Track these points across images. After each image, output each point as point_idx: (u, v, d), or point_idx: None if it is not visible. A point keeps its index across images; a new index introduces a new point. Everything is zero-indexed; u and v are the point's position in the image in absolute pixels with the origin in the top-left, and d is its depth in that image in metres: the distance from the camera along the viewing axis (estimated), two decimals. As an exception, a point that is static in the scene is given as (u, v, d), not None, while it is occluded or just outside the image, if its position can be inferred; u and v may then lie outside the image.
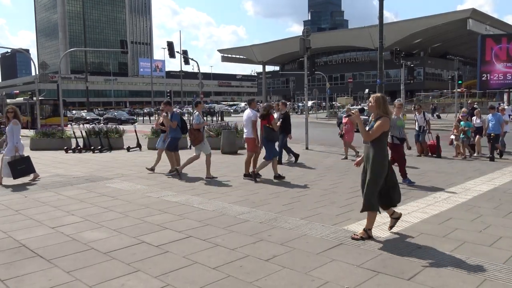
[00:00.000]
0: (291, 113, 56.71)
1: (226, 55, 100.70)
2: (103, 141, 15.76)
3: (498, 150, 12.16)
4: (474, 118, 13.46)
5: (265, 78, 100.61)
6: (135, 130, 16.40)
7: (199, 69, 39.06)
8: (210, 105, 66.82)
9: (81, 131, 16.25)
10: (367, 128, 4.79)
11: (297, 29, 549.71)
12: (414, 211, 6.14)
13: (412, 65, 28.53)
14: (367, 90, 53.39)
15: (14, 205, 6.87)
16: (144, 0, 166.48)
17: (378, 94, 4.97)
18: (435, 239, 4.86)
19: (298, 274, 3.90)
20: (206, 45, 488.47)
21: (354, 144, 12.39)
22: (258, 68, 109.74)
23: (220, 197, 7.25)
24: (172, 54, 32.91)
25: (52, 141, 16.84)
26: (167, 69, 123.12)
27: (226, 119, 37.00)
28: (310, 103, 55.23)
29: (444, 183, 8.38)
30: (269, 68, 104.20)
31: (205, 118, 38.89)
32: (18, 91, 74.99)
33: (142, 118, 48.28)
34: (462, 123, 12.38)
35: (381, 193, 4.86)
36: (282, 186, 8.17)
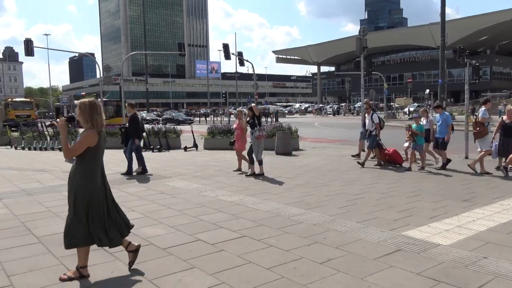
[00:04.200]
0: (347, 114, 54.99)
1: (281, 56, 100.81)
2: (161, 141, 16.34)
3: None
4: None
5: (320, 78, 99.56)
6: (192, 131, 16.83)
7: (253, 71, 39.40)
8: (264, 105, 67.14)
9: (141, 131, 16.92)
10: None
11: (351, 29, 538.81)
12: (479, 219, 5.80)
13: (477, 64, 26.97)
14: (427, 91, 51.17)
15: (80, 200, 7.29)
16: (201, 3, 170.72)
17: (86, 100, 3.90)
18: (503, 249, 4.56)
19: (354, 279, 3.82)
20: (260, 47, 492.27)
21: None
22: (313, 68, 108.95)
23: (274, 198, 7.26)
24: (227, 56, 33.43)
25: (115, 140, 17.68)
26: (222, 70, 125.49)
27: (280, 120, 37.00)
28: (366, 104, 53.87)
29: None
30: (324, 68, 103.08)
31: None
32: (84, 93, 79.58)
33: (198, 118, 49.47)
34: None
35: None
36: (337, 189, 8.03)
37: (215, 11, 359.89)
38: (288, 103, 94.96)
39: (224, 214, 6.20)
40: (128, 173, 10.02)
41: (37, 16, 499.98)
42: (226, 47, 33.30)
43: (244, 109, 10.33)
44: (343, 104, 65.64)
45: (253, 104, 10.02)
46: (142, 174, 10.01)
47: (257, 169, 9.64)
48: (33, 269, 4.16)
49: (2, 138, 21.56)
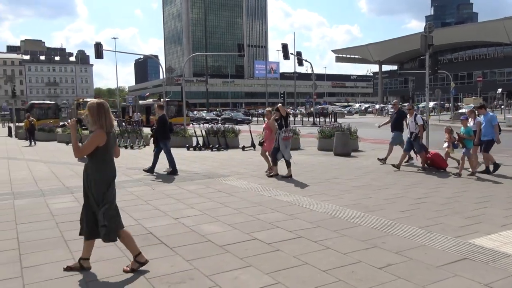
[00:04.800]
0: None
1: (340, 55, 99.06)
2: (220, 140, 16.67)
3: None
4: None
5: (381, 78, 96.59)
6: (250, 130, 17.00)
7: (312, 70, 39.06)
8: (323, 106, 66.33)
9: (201, 131, 17.39)
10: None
11: (415, 26, 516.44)
12: (557, 228, 5.33)
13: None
14: (499, 90, 47.91)
15: (143, 196, 7.63)
16: (260, 4, 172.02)
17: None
18: None
19: (416, 286, 3.65)
20: (319, 46, 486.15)
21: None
22: (374, 67, 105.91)
23: (331, 199, 7.14)
24: (286, 56, 33.40)
25: (176, 139, 18.27)
26: (281, 70, 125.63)
27: (339, 120, 36.38)
28: (431, 104, 51.53)
29: None
30: (386, 67, 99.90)
31: (317, 119, 38.86)
32: (148, 93, 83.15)
33: (256, 118, 49.88)
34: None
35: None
36: (398, 192, 7.73)
37: (274, 12, 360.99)
38: (348, 103, 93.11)
39: (281, 214, 6.19)
40: (173, 172, 10.13)
41: (106, 21, 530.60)
42: (285, 47, 33.29)
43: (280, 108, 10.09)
44: (406, 105, 63.34)
45: (279, 105, 9.83)
46: (173, 175, 10.06)
47: (283, 171, 9.56)
48: (99, 260, 4.40)
49: (75, 135, 23.01)
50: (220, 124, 24.57)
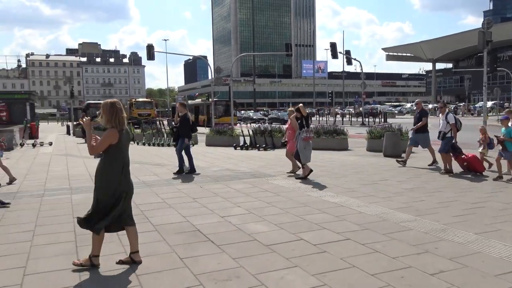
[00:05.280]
0: (465, 115, 50.77)
1: (391, 54, 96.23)
2: (267, 139, 16.71)
3: None
4: None
5: (435, 76, 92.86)
6: (297, 130, 16.90)
7: (361, 69, 38.27)
8: (372, 105, 64.79)
9: (248, 130, 17.51)
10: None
11: (471, 21, 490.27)
12: None
13: None
14: None
15: (192, 194, 7.79)
16: (308, 3, 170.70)
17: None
18: None
19: (470, 295, 3.47)
20: (368, 44, 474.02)
21: None
22: (427, 66, 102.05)
23: (381, 201, 6.95)
24: (334, 55, 32.96)
25: (223, 138, 18.56)
26: (329, 70, 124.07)
27: (389, 120, 35.37)
28: (489, 103, 48.89)
29: None
30: (440, 65, 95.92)
31: (366, 119, 37.99)
32: (197, 93, 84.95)
33: (303, 118, 49.47)
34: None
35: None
36: (452, 196, 7.39)
37: (323, 10, 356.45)
38: (399, 103, 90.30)
39: (328, 215, 6.11)
40: (191, 171, 10.25)
41: (157, 23, 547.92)
42: (333, 46, 32.87)
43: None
44: (461, 104, 60.44)
45: (300, 105, 9.75)
46: (191, 174, 10.14)
47: (301, 171, 9.48)
48: (150, 254, 4.54)
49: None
50: (267, 123, 24.66)
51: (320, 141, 15.90)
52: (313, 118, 49.15)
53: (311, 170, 9.29)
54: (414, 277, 3.85)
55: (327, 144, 15.39)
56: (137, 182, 9.22)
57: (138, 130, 24.18)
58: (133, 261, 4.26)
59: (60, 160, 13.71)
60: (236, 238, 5.09)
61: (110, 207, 4.16)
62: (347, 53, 38.09)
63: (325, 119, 46.12)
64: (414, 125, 11.23)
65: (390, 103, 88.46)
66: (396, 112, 59.44)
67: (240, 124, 22.36)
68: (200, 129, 29.22)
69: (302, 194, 7.67)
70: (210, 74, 31.40)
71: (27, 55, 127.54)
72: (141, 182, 9.17)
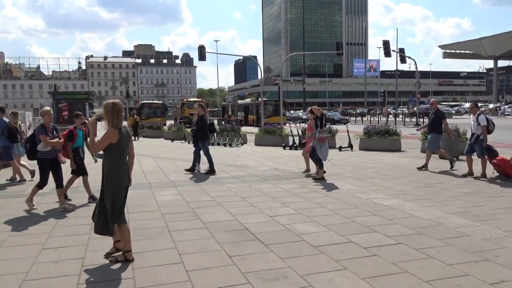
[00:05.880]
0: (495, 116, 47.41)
1: (448, 51, 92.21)
2: (316, 139, 16.50)
3: None
4: None
5: (496, 74, 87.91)
6: (347, 130, 16.60)
7: (416, 68, 36.92)
8: (427, 105, 62.25)
9: (297, 130, 17.41)
10: None
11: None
12: None
13: None
14: None
15: (240, 193, 7.86)
16: (361, 0, 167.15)
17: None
18: None
19: (535, 308, 3.24)
20: (424, 41, 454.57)
21: None
22: (488, 63, 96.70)
23: (436, 205, 6.66)
24: (387, 53, 32.05)
25: (272, 138, 18.58)
26: (381, 68, 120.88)
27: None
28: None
29: None
30: (502, 63, 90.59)
31: (421, 119, 36.57)
32: (247, 93, 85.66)
33: (354, 118, 48.62)
34: None
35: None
36: (515, 201, 6.94)
37: (375, 7, 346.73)
38: (456, 102, 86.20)
39: (379, 218, 5.94)
40: (211, 171, 10.22)
41: (208, 24, 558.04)
42: (386, 44, 31.97)
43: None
44: (488, 105, 56.76)
45: (314, 106, 9.82)
46: (210, 174, 10.12)
47: (318, 172, 9.37)
48: (199, 251, 4.63)
49: (179, 133, 24.62)
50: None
51: (371, 141, 15.52)
52: (364, 118, 48.11)
53: (324, 172, 9.37)
54: (471, 286, 3.66)
55: (379, 145, 14.98)
56: (187, 180, 9.46)
57: (189, 129, 24.76)
58: (126, 260, 4.33)
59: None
60: (284, 238, 5.07)
61: (121, 204, 4.34)
62: (401, 51, 36.87)
63: (377, 119, 44.93)
64: (428, 127, 10.82)
65: (446, 103, 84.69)
66: (454, 112, 56.68)
67: (289, 123, 22.28)
68: (249, 129, 29.48)
69: (352, 195, 7.51)
70: (260, 74, 31.59)
71: (87, 57, 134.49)
72: (191, 180, 9.39)
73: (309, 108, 10.08)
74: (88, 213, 6.37)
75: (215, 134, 20.81)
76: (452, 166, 10.33)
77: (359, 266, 4.12)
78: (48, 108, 7.01)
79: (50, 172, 6.76)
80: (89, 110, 32.87)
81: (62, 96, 38.04)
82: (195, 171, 10.49)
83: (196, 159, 10.66)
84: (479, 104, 9.95)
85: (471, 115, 9.74)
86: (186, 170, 10.59)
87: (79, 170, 7.21)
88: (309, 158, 9.90)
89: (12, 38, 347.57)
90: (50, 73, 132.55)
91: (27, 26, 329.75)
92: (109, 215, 4.26)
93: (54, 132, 6.81)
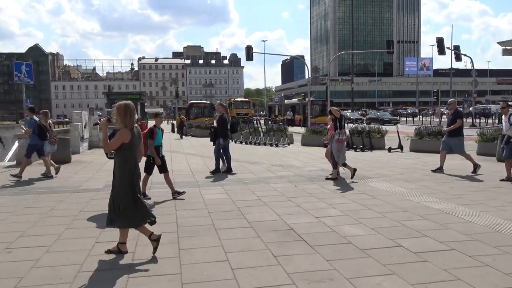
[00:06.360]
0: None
1: (508, 48, 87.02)
2: (365, 140, 16.17)
3: None
4: None
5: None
6: (398, 131, 16.12)
7: (472, 65, 35.21)
8: (485, 105, 59.19)
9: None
10: None
11: None
12: None
13: None
14: None
15: (286, 193, 7.84)
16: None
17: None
18: None
19: None
20: (481, 38, 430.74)
21: None
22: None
23: (493, 211, 6.30)
24: (441, 51, 30.80)
25: (319, 138, 18.34)
26: (434, 67, 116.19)
27: (503, 121, 31.93)
28: None
29: None
30: None
31: (477, 120, 34.83)
32: (294, 93, 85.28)
33: (405, 118, 47.12)
34: None
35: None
36: None
37: (428, 4, 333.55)
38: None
39: (430, 222, 5.71)
40: (228, 170, 10.26)
41: (256, 24, 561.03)
42: (440, 41, 30.73)
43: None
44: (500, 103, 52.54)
45: (333, 108, 9.63)
46: (228, 173, 10.13)
47: (333, 173, 9.32)
48: (244, 250, 4.66)
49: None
50: (365, 124, 23.88)
51: (422, 143, 14.97)
52: (415, 119, 46.49)
53: (355, 169, 9.22)
54: (532, 297, 3.43)
55: (431, 146, 14.40)
56: (233, 179, 9.56)
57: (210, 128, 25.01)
58: (119, 251, 4.55)
59: (166, 156, 14.69)
60: (330, 239, 5.00)
61: (133, 202, 4.44)
62: (456, 48, 35.28)
63: (429, 119, 43.25)
64: (447, 127, 10.21)
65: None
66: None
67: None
68: (296, 129, 29.36)
69: (402, 198, 7.27)
70: (307, 74, 31.38)
71: (139, 59, 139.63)
72: (237, 179, 9.48)
73: (328, 110, 10.00)
74: (162, 211, 6.62)
75: (261, 134, 20.91)
76: (475, 171, 9.82)
77: (409, 272, 3.98)
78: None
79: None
80: (140, 110, 33.99)
81: (116, 96, 39.68)
82: (226, 170, 10.49)
83: (228, 158, 10.71)
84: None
85: (503, 116, 9.23)
86: (222, 172, 10.53)
87: (162, 166, 7.51)
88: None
89: (70, 41, 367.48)
90: (105, 74, 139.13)
91: (84, 30, 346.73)
92: (111, 210, 4.47)
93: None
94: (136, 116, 4.53)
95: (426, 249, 4.59)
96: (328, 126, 10.41)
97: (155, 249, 4.51)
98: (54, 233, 5.30)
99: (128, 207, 4.41)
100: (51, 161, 10.43)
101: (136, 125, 4.52)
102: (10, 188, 8.79)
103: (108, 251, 4.59)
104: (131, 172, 4.44)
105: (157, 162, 7.36)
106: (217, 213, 6.39)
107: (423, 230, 5.32)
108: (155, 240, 4.52)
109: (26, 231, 5.52)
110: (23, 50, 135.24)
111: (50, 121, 10.90)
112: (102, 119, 4.71)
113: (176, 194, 7.45)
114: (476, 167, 9.83)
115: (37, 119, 10.08)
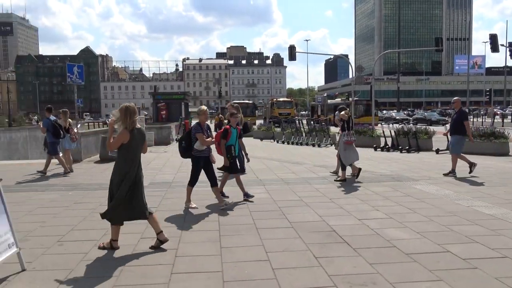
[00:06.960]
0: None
1: None
2: (411, 141, 15.67)
3: None
4: None
5: None
6: (447, 132, 15.48)
7: (529, 63, 33.19)
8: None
9: (390, 131, 16.68)
10: None
11: None
12: None
13: None
14: None
15: (328, 194, 7.74)
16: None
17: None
18: None
19: None
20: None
21: None
22: None
23: (551, 217, 5.92)
24: (495, 48, 29.32)
25: (363, 138, 17.98)
26: (487, 65, 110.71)
27: None
28: None
29: None
30: None
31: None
32: (337, 93, 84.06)
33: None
34: None
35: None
36: None
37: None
38: None
39: (481, 227, 5.44)
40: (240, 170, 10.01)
41: (299, 24, 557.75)
42: (494, 37, 29.27)
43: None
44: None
45: (341, 113, 9.52)
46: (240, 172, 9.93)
47: (342, 174, 9.19)
48: (286, 250, 4.64)
49: (268, 132, 24.98)
50: (411, 124, 23.13)
51: (473, 144, 14.27)
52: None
53: (360, 169, 9.15)
54: None
55: (483, 148, 13.75)
56: (275, 179, 9.55)
57: (278, 129, 24.99)
58: (160, 243, 4.72)
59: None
60: (373, 242, 4.88)
61: (128, 199, 4.62)
62: (511, 45, 33.46)
63: (481, 120, 41.25)
64: (450, 128, 9.89)
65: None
66: None
67: (381, 124, 21.46)
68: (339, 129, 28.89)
69: (450, 202, 6.98)
70: (351, 73, 30.81)
71: (183, 60, 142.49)
72: (279, 179, 9.46)
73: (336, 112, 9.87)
74: (204, 210, 6.75)
75: (303, 134, 20.77)
76: (471, 171, 9.53)
77: (457, 278, 3.81)
78: (205, 107, 6.96)
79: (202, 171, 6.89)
80: (184, 110, 34.71)
81: (161, 96, 40.80)
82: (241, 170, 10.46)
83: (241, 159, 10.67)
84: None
85: None
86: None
87: (231, 167, 7.25)
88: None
89: (118, 44, 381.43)
90: (151, 75, 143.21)
91: (131, 32, 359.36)
92: (109, 204, 4.67)
93: (208, 131, 6.83)
94: (137, 117, 4.74)
95: (476, 256, 4.38)
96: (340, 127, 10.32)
97: (153, 247, 4.71)
98: (102, 228, 5.51)
99: (118, 203, 4.62)
100: (71, 157, 11.14)
101: (138, 126, 4.74)
102: (61, 185, 9.24)
103: (103, 247, 4.77)
104: (125, 170, 4.63)
105: (225, 163, 7.17)
106: (259, 212, 6.41)
107: (472, 235, 5.08)
108: (161, 241, 4.73)
109: (76, 225, 5.79)
110: (75, 52, 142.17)
111: (70, 120, 11.48)
112: (110, 120, 4.98)
113: (245, 197, 7.29)
114: (471, 165, 9.62)
115: (52, 118, 10.63)
